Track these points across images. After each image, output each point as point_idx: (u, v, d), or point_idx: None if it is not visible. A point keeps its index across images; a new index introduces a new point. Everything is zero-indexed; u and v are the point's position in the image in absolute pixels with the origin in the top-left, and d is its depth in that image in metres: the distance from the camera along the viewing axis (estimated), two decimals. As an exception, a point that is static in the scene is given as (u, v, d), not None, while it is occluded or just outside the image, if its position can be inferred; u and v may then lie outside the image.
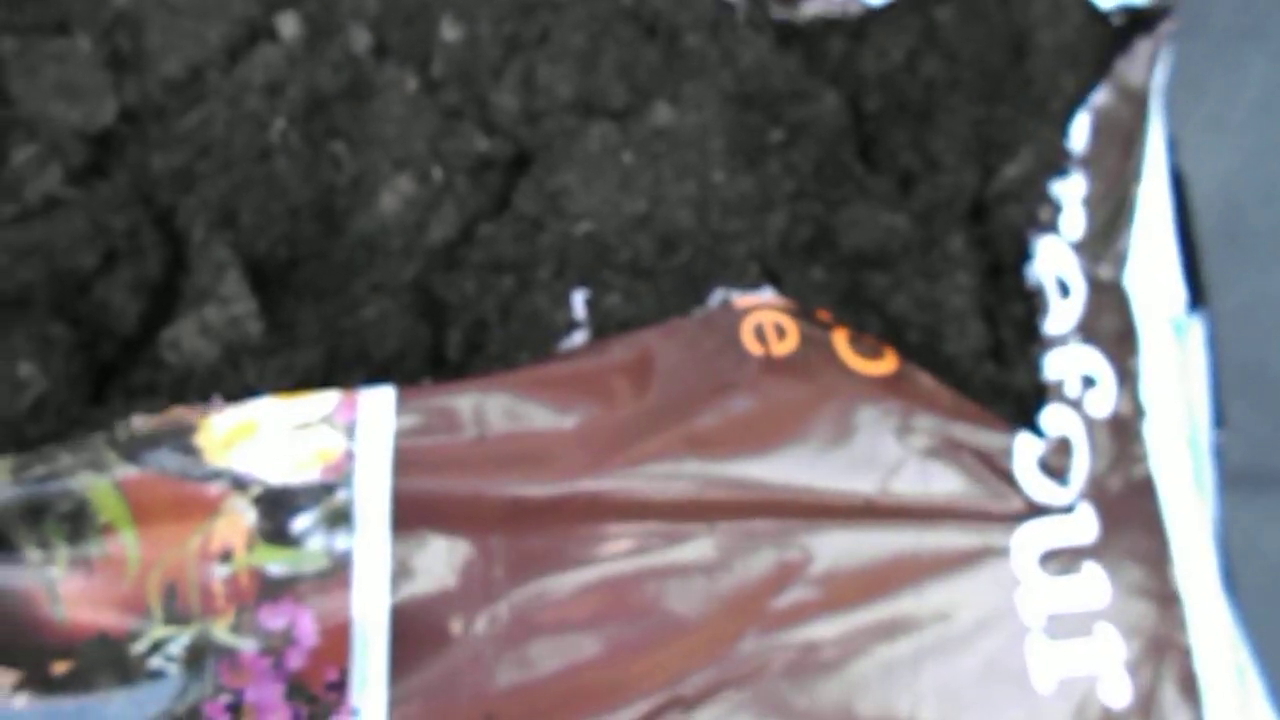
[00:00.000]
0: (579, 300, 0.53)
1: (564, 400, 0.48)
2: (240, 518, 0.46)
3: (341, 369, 0.52)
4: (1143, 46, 0.56)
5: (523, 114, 0.57)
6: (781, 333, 0.50)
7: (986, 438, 0.49)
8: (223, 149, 0.55)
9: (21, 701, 0.44)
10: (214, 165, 0.55)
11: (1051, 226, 0.53)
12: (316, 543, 0.46)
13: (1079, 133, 0.55)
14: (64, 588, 0.45)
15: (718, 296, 0.52)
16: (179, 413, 0.47)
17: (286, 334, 0.53)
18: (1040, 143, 0.54)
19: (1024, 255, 0.53)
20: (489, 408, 0.48)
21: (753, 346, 0.50)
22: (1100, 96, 0.55)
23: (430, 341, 0.54)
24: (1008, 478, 0.49)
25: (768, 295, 0.52)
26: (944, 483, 0.49)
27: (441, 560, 0.46)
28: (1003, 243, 0.54)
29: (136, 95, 0.57)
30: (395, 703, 0.45)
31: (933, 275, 0.53)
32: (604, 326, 0.52)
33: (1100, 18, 0.57)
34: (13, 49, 0.57)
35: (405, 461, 0.47)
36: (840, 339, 0.50)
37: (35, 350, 0.51)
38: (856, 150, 0.57)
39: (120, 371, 0.53)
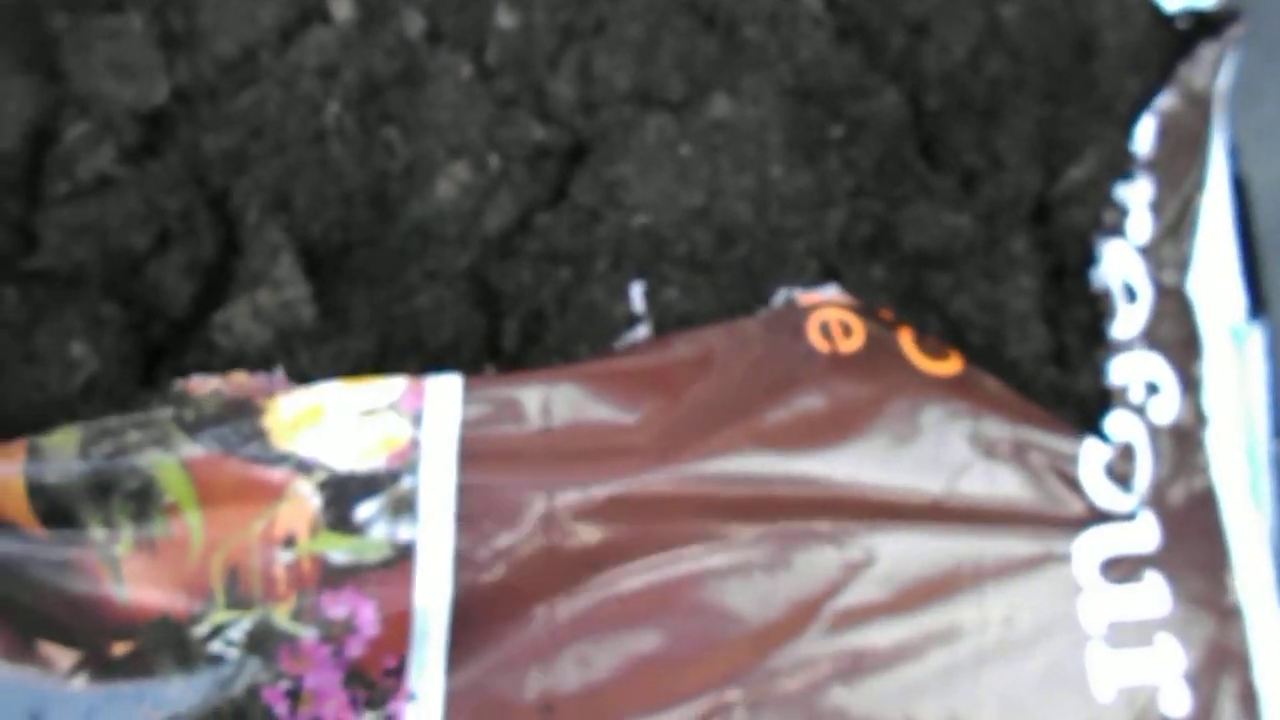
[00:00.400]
0: (638, 293, 0.52)
1: (629, 395, 0.48)
2: (304, 503, 0.45)
3: (395, 357, 0.52)
4: (1207, 51, 0.55)
5: (579, 104, 0.57)
6: (848, 330, 0.49)
7: (1054, 442, 0.49)
8: (276, 131, 0.55)
9: (80, 683, 0.43)
10: (267, 147, 0.55)
11: (1118, 230, 0.53)
12: (380, 531, 0.45)
13: (1144, 136, 0.54)
14: (128, 567, 0.44)
15: (780, 296, 0.51)
16: (242, 387, 0.46)
17: (339, 320, 0.53)
18: (1105, 145, 0.54)
19: (1088, 258, 0.53)
20: (555, 400, 0.47)
21: (819, 343, 0.49)
22: (1165, 100, 0.54)
23: (485, 331, 0.53)
24: (1072, 483, 0.49)
25: (832, 292, 0.51)
26: (1009, 486, 0.48)
27: (503, 552, 0.46)
28: (1066, 245, 0.54)
29: (189, 74, 0.56)
30: (453, 693, 0.45)
31: (995, 277, 0.53)
32: (662, 320, 0.51)
33: (1166, 20, 0.56)
34: (65, 26, 0.56)
35: (470, 451, 0.46)
36: (906, 338, 0.50)
37: (87, 330, 0.51)
38: (918, 148, 0.56)
39: (171, 353, 0.52)
